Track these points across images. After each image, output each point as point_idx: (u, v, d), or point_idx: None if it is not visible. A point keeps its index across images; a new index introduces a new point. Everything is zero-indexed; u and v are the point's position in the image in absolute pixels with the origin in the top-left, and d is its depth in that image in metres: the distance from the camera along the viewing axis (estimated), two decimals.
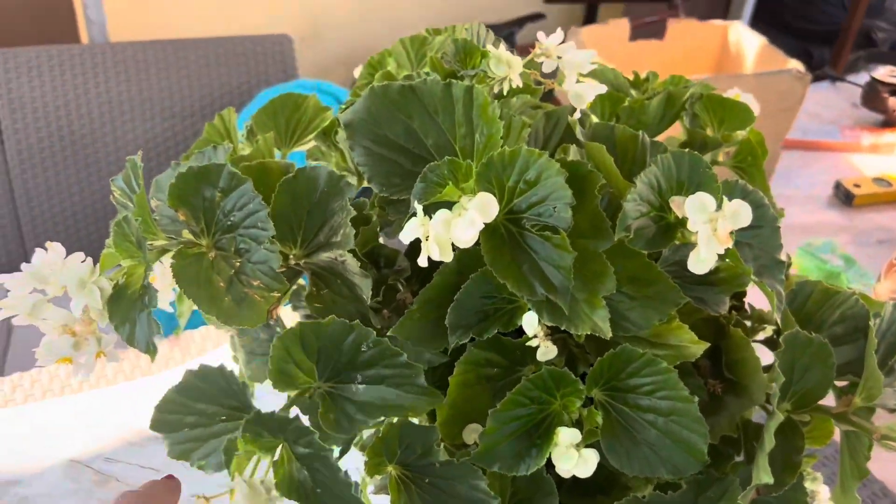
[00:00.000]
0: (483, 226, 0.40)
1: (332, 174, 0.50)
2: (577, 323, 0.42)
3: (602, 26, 1.48)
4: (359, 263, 0.47)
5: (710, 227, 0.42)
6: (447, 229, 0.40)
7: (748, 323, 0.60)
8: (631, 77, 0.73)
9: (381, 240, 0.57)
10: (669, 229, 0.45)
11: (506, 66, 0.50)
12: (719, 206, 0.43)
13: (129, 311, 0.46)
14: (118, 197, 0.54)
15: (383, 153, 0.48)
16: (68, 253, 0.51)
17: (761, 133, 0.64)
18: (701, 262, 0.42)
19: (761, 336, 0.61)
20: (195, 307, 0.48)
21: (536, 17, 2.74)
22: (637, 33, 1.50)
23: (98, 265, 0.48)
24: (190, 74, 1.65)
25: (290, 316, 0.58)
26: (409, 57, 0.71)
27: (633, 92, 0.73)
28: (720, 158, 0.65)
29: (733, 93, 0.66)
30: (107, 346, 0.50)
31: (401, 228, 0.56)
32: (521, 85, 0.52)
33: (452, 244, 0.41)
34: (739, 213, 0.43)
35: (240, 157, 0.58)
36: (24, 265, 0.50)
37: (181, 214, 0.48)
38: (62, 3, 2.11)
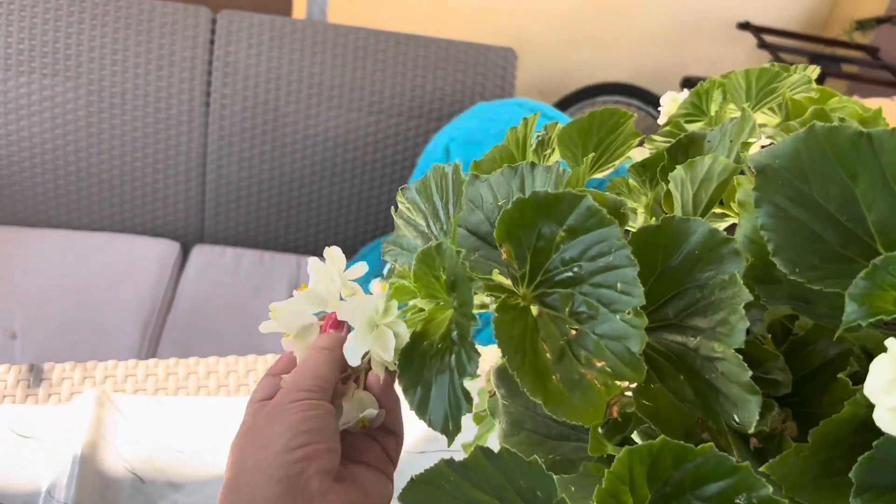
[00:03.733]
0: None
1: (712, 233, 0.36)
2: None
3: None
4: (749, 373, 0.33)
5: None
6: None
7: None
8: None
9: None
10: None
11: None
12: None
13: (421, 369, 0.34)
14: (403, 212, 0.42)
15: (802, 218, 0.34)
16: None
17: None
18: None
19: None
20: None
21: None
22: None
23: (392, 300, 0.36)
24: (406, 71, 1.57)
25: None
26: (748, 92, 0.57)
27: None
28: None
29: None
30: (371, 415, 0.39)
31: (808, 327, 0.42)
32: None
33: None
34: None
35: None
36: (295, 292, 0.38)
37: (504, 251, 0.36)
38: None
